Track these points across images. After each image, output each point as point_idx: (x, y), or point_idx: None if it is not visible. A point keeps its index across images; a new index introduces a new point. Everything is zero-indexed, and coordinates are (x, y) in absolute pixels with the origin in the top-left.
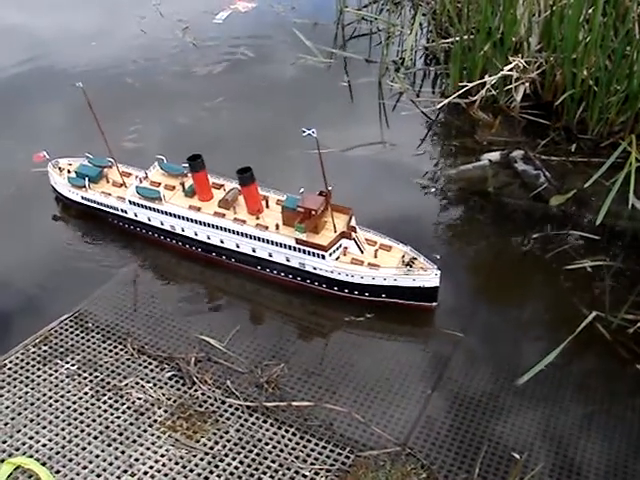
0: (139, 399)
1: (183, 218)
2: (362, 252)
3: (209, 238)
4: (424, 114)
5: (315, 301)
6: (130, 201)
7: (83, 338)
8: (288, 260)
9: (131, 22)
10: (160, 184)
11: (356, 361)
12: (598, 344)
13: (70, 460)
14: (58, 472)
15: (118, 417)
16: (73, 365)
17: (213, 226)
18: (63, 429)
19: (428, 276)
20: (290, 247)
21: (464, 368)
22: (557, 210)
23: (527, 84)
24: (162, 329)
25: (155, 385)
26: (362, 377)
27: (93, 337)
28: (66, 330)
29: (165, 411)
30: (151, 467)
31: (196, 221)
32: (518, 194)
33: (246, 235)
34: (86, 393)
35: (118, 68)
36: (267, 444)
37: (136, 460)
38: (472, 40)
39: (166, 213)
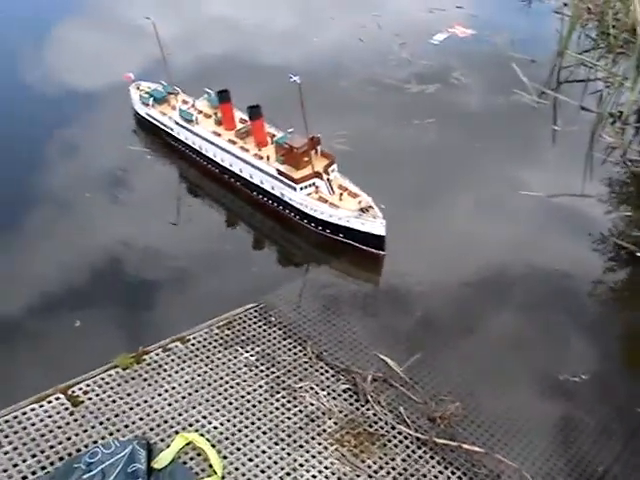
0: (312, 405)
1: (206, 140)
2: (331, 193)
3: (223, 161)
4: (635, 175)
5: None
6: (175, 121)
7: (265, 331)
8: (273, 188)
9: (351, 29)
10: (201, 112)
11: (535, 414)
12: None
13: (238, 449)
14: (225, 458)
15: (289, 418)
16: (252, 356)
17: (225, 150)
18: (235, 417)
19: (375, 223)
20: (272, 176)
21: None
22: None
23: None
24: (343, 339)
25: (329, 395)
26: (540, 432)
27: (274, 332)
28: (249, 319)
29: (335, 423)
30: (314, 476)
31: (214, 144)
32: None
33: (245, 161)
34: (261, 386)
35: (332, 71)
36: None
37: (300, 465)
38: None
39: (195, 134)
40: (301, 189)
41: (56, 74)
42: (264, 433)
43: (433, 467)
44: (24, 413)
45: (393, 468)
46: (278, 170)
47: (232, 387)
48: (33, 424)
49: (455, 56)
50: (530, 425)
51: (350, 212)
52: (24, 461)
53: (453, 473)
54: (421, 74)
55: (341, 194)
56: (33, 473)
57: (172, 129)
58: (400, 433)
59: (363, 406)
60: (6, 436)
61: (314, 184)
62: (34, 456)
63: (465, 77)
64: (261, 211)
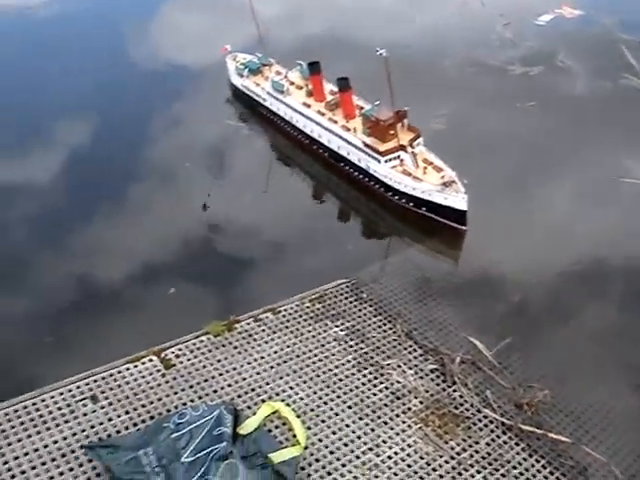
0: (398, 383)
1: (295, 111)
2: (415, 167)
3: (312, 132)
4: None
5: None
6: (267, 91)
7: (356, 307)
8: (359, 160)
9: (454, 7)
10: (293, 83)
11: (628, 409)
12: None
13: (322, 421)
14: (309, 429)
15: (374, 394)
16: (342, 330)
17: (314, 121)
18: (321, 389)
19: (456, 198)
20: (358, 148)
21: None
22: None
23: None
24: (433, 319)
25: (416, 374)
26: (633, 428)
27: (365, 308)
28: (341, 294)
29: (420, 402)
30: (396, 453)
31: (303, 115)
32: None
33: (333, 133)
34: (349, 361)
35: (434, 50)
36: (515, 468)
37: (384, 442)
38: None
39: (286, 105)
40: (386, 162)
41: (161, 51)
42: (349, 407)
43: (517, 454)
44: (119, 372)
45: (476, 451)
46: (364, 142)
47: (320, 360)
48: (127, 382)
49: (561, 38)
50: (622, 420)
51: (433, 186)
52: (118, 416)
53: (537, 461)
54: (525, 56)
55: (425, 168)
56: (126, 428)
57: (264, 99)
58: (485, 417)
59: (450, 387)
60: (102, 392)
61: (399, 157)
62: (127, 412)
63: (571, 60)
64: (347, 182)
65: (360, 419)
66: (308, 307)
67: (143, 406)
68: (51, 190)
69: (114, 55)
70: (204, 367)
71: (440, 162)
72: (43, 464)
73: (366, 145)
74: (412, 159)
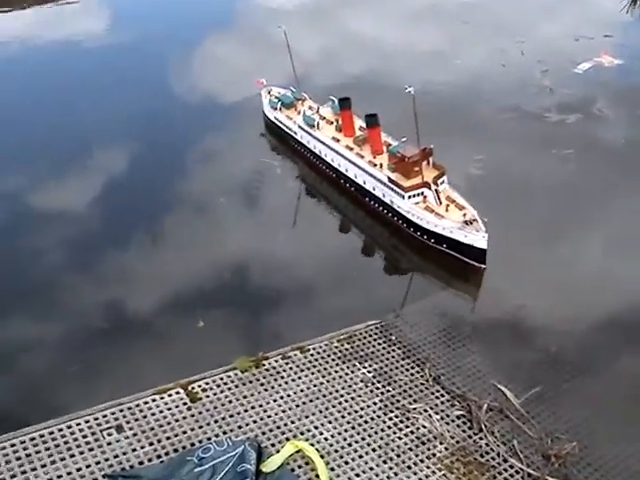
0: (424, 427)
1: (325, 145)
2: (438, 204)
3: (340, 166)
4: None
5: None
6: (299, 125)
7: (384, 349)
8: (384, 196)
9: (493, 54)
10: (324, 118)
11: None
12: None
13: (346, 463)
14: (333, 470)
15: (400, 438)
16: (369, 372)
17: (342, 156)
18: (346, 430)
19: (476, 236)
20: (383, 183)
21: None
22: None
23: None
24: (462, 365)
25: (442, 419)
26: None
27: (394, 351)
28: (370, 336)
29: (446, 448)
30: None
31: (332, 149)
32: None
33: (359, 168)
34: (375, 403)
35: (472, 95)
36: None
37: None
38: None
39: (315, 138)
40: (409, 197)
41: (201, 83)
42: (374, 450)
43: None
44: (145, 402)
45: None
46: (388, 178)
47: (346, 401)
48: (153, 414)
49: (599, 86)
50: None
51: (454, 223)
52: (142, 447)
53: None
54: (562, 103)
55: (448, 205)
56: (149, 460)
57: (295, 133)
58: (512, 467)
59: (476, 434)
60: (128, 422)
61: (422, 194)
62: (151, 444)
63: (608, 109)
64: (372, 217)
65: (384, 462)
66: (336, 347)
67: (167, 438)
68: (87, 218)
69: (154, 87)
70: (230, 402)
71: (463, 200)
72: None
73: (390, 180)
74: (435, 196)
